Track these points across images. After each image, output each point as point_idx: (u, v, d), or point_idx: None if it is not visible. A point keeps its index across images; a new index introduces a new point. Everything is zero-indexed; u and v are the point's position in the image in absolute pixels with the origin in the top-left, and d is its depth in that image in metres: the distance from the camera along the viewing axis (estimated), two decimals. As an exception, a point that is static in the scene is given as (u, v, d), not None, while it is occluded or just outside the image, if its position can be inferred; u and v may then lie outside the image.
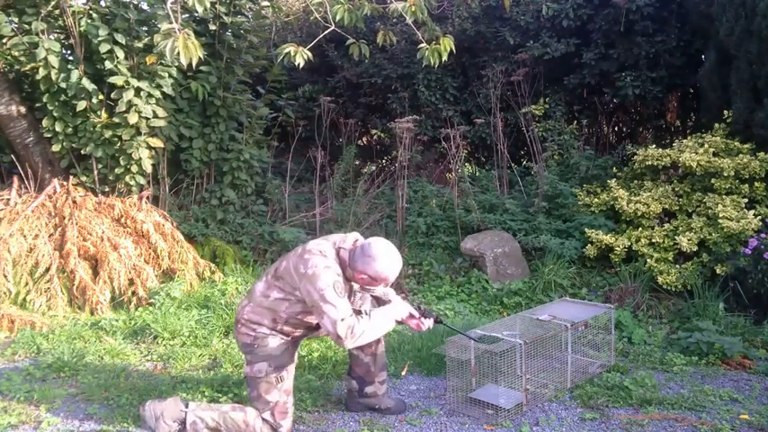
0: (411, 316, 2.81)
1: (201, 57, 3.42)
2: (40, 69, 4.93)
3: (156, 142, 5.29)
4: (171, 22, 3.41)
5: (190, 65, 3.40)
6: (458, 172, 6.36)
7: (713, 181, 5.22)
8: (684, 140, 5.69)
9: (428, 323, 2.83)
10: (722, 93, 5.81)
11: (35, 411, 3.10)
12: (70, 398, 3.27)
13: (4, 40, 5.03)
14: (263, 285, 2.73)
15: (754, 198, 5.21)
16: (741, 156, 5.22)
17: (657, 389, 3.40)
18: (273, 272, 2.73)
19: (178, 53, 3.24)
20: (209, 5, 4.01)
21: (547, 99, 7.22)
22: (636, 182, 5.81)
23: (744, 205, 5.06)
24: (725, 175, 5.14)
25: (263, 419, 2.72)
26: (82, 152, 5.26)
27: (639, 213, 5.38)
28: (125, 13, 5.08)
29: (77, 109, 5.05)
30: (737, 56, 5.44)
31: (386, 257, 2.61)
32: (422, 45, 4.32)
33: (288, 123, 7.23)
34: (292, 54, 4.02)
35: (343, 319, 2.47)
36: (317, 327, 2.78)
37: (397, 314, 2.74)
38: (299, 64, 4.05)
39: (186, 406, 2.75)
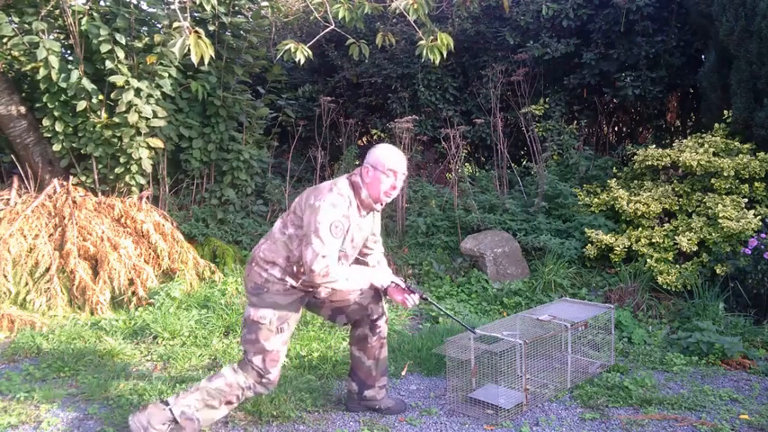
0: (396, 287, 2.83)
1: (213, 55, 3.42)
2: (40, 69, 4.93)
3: (156, 142, 5.29)
4: (179, 21, 3.40)
5: (190, 64, 3.39)
6: (458, 172, 6.35)
7: (713, 181, 5.22)
8: (684, 140, 5.69)
9: (413, 299, 2.84)
10: (722, 93, 5.81)
11: (35, 411, 3.10)
12: (70, 398, 3.27)
13: (5, 40, 5.03)
14: (280, 223, 2.78)
15: (754, 198, 5.21)
16: (741, 156, 5.22)
17: (657, 389, 3.40)
18: (291, 209, 2.78)
19: (188, 51, 3.23)
20: (216, 3, 4.00)
21: (547, 99, 7.22)
22: (636, 182, 5.81)
23: (744, 205, 5.06)
24: (725, 175, 5.14)
25: (252, 366, 2.70)
26: (82, 152, 5.27)
27: (639, 213, 5.38)
28: (125, 12, 5.09)
29: (77, 109, 5.05)
30: (737, 56, 5.44)
31: (387, 147, 2.77)
32: (421, 42, 4.31)
33: (288, 123, 7.23)
34: (293, 50, 4.01)
35: (324, 256, 2.51)
36: None
37: (376, 279, 2.79)
38: (299, 60, 4.03)
39: (166, 404, 2.72)
